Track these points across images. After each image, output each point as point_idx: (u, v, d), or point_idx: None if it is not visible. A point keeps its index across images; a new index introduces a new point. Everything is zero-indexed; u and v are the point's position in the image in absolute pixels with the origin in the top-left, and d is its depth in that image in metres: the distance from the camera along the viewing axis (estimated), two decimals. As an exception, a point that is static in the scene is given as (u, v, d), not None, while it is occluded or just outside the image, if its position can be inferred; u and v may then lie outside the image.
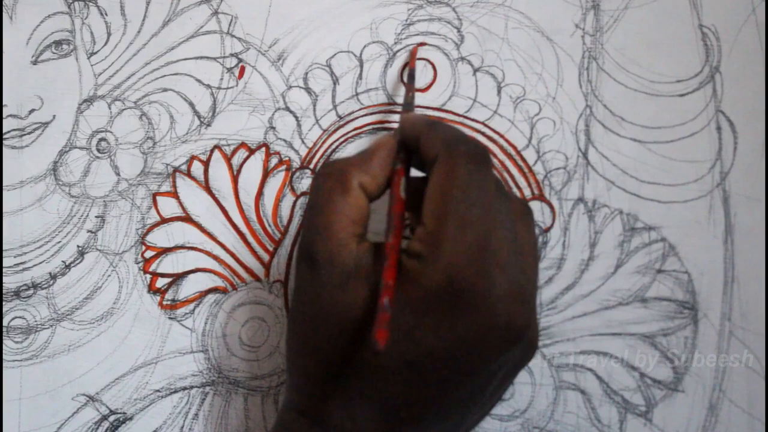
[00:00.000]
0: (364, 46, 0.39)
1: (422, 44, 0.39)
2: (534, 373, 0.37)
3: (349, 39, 0.39)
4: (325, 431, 0.27)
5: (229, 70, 0.40)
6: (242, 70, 0.40)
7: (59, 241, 0.40)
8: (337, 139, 0.39)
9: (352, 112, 0.39)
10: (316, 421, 0.27)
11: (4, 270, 0.40)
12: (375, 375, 0.26)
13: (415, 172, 0.30)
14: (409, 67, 0.38)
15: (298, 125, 0.39)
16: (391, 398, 0.26)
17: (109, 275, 0.39)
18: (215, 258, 0.39)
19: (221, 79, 0.40)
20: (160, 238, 0.39)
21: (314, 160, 0.39)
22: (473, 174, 0.26)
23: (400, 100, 0.39)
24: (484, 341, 0.25)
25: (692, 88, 0.38)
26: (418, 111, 0.39)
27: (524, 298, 0.26)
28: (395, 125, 0.39)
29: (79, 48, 0.41)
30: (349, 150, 0.39)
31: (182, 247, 0.39)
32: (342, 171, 0.28)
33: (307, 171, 0.39)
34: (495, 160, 0.38)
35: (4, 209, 0.40)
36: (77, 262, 0.40)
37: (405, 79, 0.38)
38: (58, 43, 0.41)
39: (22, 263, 0.40)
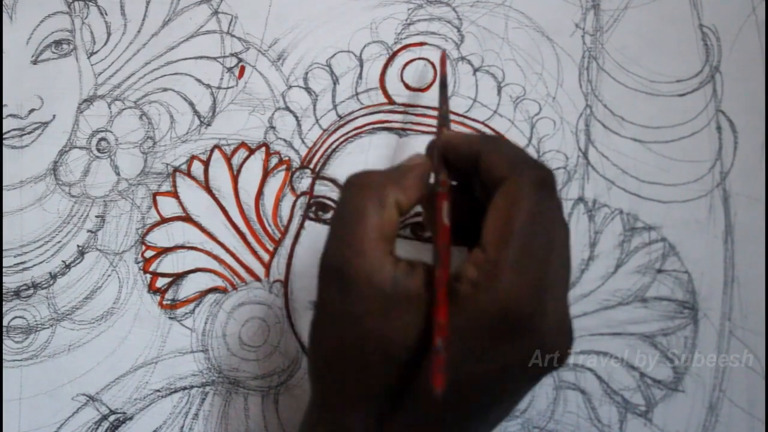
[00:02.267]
0: (364, 46, 0.39)
1: (432, 49, 0.39)
2: (534, 373, 0.37)
3: (349, 39, 0.39)
4: None
5: (229, 69, 0.40)
6: (242, 70, 0.40)
7: (59, 241, 0.40)
8: (337, 139, 0.39)
9: (352, 112, 0.39)
10: None
11: (4, 270, 0.40)
12: (415, 401, 0.26)
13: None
14: (440, 74, 0.35)
15: (298, 125, 0.39)
16: (428, 424, 0.26)
17: (109, 275, 0.39)
18: (215, 258, 0.39)
19: (221, 78, 0.40)
20: (160, 237, 0.39)
21: (314, 160, 0.39)
22: (541, 203, 0.25)
23: (399, 100, 0.39)
24: (529, 370, 0.25)
25: (692, 88, 0.38)
26: (421, 111, 0.39)
27: (568, 327, 0.26)
28: (395, 125, 0.39)
29: (79, 48, 0.41)
30: (350, 150, 0.39)
31: (182, 246, 0.39)
32: (380, 185, 0.27)
33: (307, 171, 0.39)
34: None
35: (4, 209, 0.40)
36: (77, 261, 0.40)
37: (438, 88, 0.35)
38: (58, 43, 0.41)
39: (22, 263, 0.40)
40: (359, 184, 0.27)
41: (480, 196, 0.29)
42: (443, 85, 0.34)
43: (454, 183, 0.30)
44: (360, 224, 0.26)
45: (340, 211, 0.27)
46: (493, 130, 0.38)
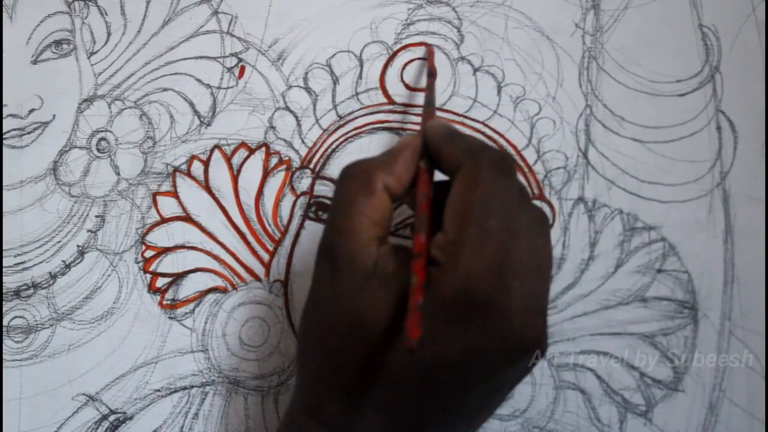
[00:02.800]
0: (364, 46, 0.39)
1: (426, 44, 0.39)
2: (534, 373, 0.37)
3: (349, 39, 0.39)
4: None
5: (229, 69, 0.40)
6: (242, 70, 0.40)
7: (59, 241, 0.40)
8: (337, 139, 0.39)
9: (352, 112, 0.39)
10: (324, 424, 0.27)
11: (4, 270, 0.40)
12: (385, 381, 0.26)
13: (438, 176, 0.30)
14: (428, 66, 0.37)
15: (298, 125, 0.39)
16: (400, 405, 0.26)
17: (109, 275, 0.39)
18: (215, 258, 0.39)
19: (221, 78, 0.40)
20: (160, 237, 0.39)
21: (314, 160, 0.39)
22: (497, 182, 0.26)
23: (399, 99, 0.39)
24: (498, 352, 0.25)
25: (692, 88, 0.38)
26: (420, 111, 0.39)
27: (539, 309, 0.26)
28: (395, 125, 0.39)
29: (79, 48, 0.41)
30: (349, 150, 0.39)
31: (182, 246, 0.39)
32: (367, 172, 0.28)
33: (307, 171, 0.39)
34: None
35: (4, 209, 0.40)
36: (77, 261, 0.40)
37: (425, 77, 0.38)
38: (58, 43, 0.41)
39: (22, 263, 0.40)
40: (350, 174, 0.28)
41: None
42: (431, 75, 0.36)
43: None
44: (349, 210, 0.27)
45: (334, 200, 0.28)
46: (493, 130, 0.38)
